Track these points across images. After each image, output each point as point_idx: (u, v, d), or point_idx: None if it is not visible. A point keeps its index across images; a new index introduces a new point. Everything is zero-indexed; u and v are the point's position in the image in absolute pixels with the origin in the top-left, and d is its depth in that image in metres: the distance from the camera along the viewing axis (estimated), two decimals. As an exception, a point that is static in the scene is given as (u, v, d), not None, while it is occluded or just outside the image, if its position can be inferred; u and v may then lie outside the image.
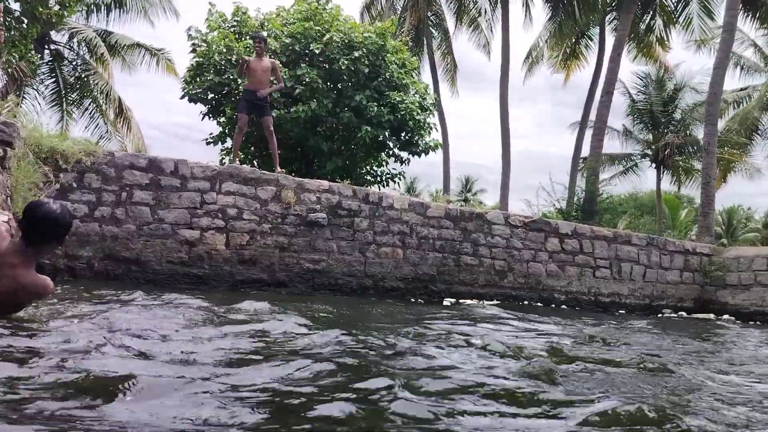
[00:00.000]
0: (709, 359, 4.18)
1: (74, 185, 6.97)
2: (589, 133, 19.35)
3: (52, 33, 16.97)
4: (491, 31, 23.16)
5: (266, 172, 8.17)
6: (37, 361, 2.22)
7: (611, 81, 17.69)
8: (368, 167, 13.67)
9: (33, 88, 16.95)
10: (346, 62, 11.57)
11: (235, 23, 12.62)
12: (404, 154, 13.30)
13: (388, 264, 8.42)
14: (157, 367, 2.31)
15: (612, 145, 24.06)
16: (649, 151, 22.65)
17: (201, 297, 5.36)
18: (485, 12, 22.66)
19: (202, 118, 12.76)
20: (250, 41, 10.47)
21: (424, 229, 8.68)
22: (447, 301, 8.55)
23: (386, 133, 12.21)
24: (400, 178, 14.01)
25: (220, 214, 7.57)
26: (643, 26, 20.56)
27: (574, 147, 20.53)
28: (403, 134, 12.61)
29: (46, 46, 17.57)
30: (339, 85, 12.17)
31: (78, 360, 2.26)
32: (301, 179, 8.24)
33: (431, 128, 12.98)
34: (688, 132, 21.75)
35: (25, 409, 1.64)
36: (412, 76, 13.08)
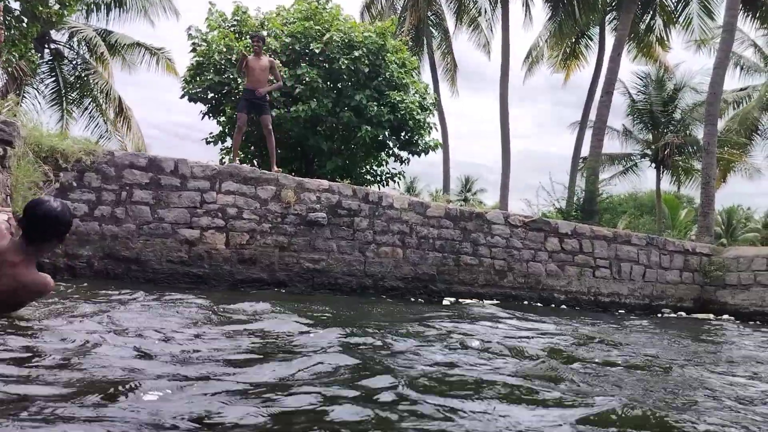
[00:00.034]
0: (708, 359, 4.18)
1: (74, 184, 6.97)
2: (589, 133, 19.37)
3: (52, 32, 16.96)
4: (491, 30, 23.19)
5: (266, 171, 8.18)
6: (39, 361, 2.22)
7: (611, 81, 17.70)
8: (368, 167, 13.67)
9: (33, 88, 16.95)
10: (346, 62, 11.57)
11: (235, 22, 12.62)
12: (404, 154, 13.31)
13: (387, 263, 8.42)
14: (159, 366, 2.31)
15: (612, 145, 24.10)
16: (648, 151, 22.67)
17: (203, 296, 5.36)
18: (485, 12, 22.67)
19: (202, 118, 12.76)
20: (249, 40, 10.46)
21: (423, 229, 8.69)
22: (447, 301, 8.55)
23: (386, 133, 12.21)
24: (399, 178, 14.02)
25: (220, 214, 7.57)
26: (643, 26, 20.56)
27: (573, 147, 20.56)
28: (402, 134, 12.62)
29: (46, 45, 17.57)
30: (339, 85, 12.17)
31: (79, 360, 2.26)
32: (300, 179, 8.24)
33: (431, 128, 12.99)
34: (687, 132, 21.77)
35: (25, 409, 1.64)
36: (412, 75, 13.08)
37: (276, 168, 8.56)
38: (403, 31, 19.81)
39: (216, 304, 4.70)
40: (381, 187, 13.51)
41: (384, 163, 13.66)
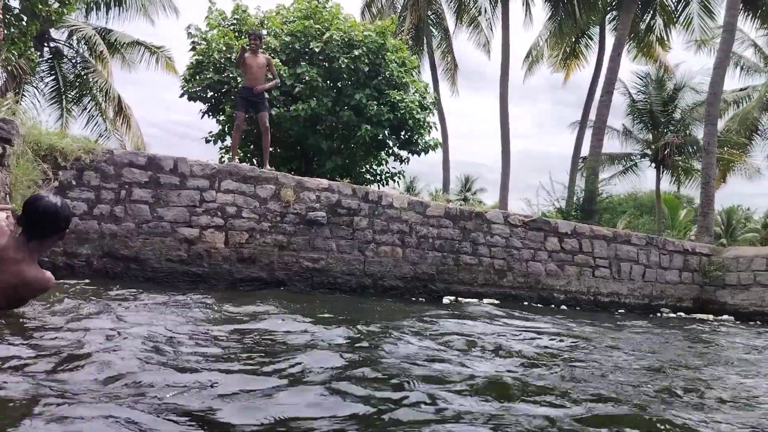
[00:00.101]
0: (707, 359, 4.18)
1: (73, 183, 6.96)
2: (588, 133, 19.36)
3: (52, 30, 16.94)
4: (491, 30, 23.17)
5: (265, 170, 8.17)
6: (44, 360, 2.22)
7: (611, 80, 17.69)
8: (368, 166, 13.66)
9: (32, 86, 16.94)
10: (345, 61, 11.56)
11: (234, 21, 12.60)
12: (404, 153, 13.30)
13: (387, 263, 8.42)
14: (164, 364, 2.30)
15: (612, 144, 24.10)
16: (648, 151, 22.67)
17: (204, 296, 5.36)
18: (485, 11, 22.66)
19: (202, 117, 12.75)
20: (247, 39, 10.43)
21: (423, 228, 8.68)
22: (446, 299, 8.55)
23: (386, 132, 12.20)
24: (399, 177, 14.01)
25: (219, 213, 7.57)
26: (643, 26, 20.55)
27: (573, 146, 20.55)
28: (402, 133, 12.60)
29: (46, 44, 17.55)
30: (339, 84, 12.16)
31: (86, 360, 2.26)
32: (300, 178, 8.23)
33: (431, 127, 12.98)
34: (687, 132, 21.77)
35: (32, 408, 1.64)
36: (411, 74, 13.07)
37: (268, 166, 8.54)
38: (403, 30, 19.80)
39: (218, 304, 4.70)
40: (380, 186, 13.51)
41: (384, 162, 13.66)
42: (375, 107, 11.70)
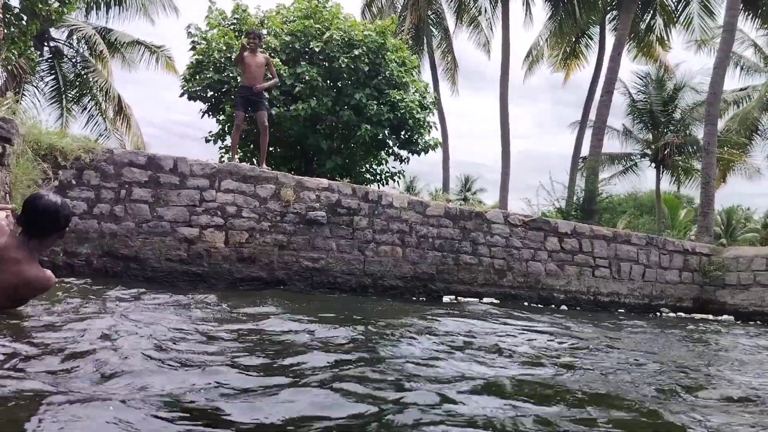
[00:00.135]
0: (713, 360, 4.18)
1: (73, 182, 6.96)
2: (588, 133, 19.36)
3: (52, 30, 16.93)
4: (491, 29, 23.17)
5: (265, 170, 8.16)
6: (47, 359, 2.22)
7: (611, 80, 17.69)
8: (368, 166, 13.66)
9: (32, 85, 16.93)
10: (345, 60, 11.56)
11: (234, 21, 12.60)
12: (404, 153, 13.30)
13: (387, 262, 8.42)
14: (169, 365, 2.30)
15: (612, 144, 24.09)
16: (648, 151, 22.66)
17: (210, 296, 5.36)
18: (485, 11, 22.66)
19: (202, 116, 12.75)
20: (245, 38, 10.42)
21: (423, 228, 8.68)
22: (446, 299, 8.57)
23: (386, 132, 12.19)
24: (399, 177, 14.01)
25: (219, 212, 7.56)
26: (643, 26, 20.55)
27: (573, 146, 20.55)
28: (402, 133, 12.60)
29: (46, 43, 17.54)
30: (339, 84, 12.16)
31: (89, 359, 2.26)
32: (300, 177, 8.23)
33: (431, 127, 12.99)
34: (687, 132, 21.77)
35: (36, 407, 1.64)
36: (411, 74, 13.07)
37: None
38: (403, 30, 19.80)
39: (219, 303, 4.71)
40: (380, 186, 13.51)
41: (383, 162, 13.66)
42: (375, 107, 11.70)
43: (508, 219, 9.33)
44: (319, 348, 2.91)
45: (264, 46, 11.37)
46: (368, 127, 11.65)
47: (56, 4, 9.82)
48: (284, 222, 7.86)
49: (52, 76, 17.96)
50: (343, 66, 11.54)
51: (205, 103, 12.49)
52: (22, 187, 5.91)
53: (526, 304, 9.01)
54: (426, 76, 23.22)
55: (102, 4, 17.91)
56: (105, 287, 5.47)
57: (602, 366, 3.14)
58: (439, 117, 21.40)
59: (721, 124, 20.07)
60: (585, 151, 19.60)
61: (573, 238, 9.71)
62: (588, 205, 15.73)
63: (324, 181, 8.29)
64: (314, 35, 11.91)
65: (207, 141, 12.93)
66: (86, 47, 18.00)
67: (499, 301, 8.73)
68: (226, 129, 12.50)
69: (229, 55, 11.65)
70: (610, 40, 19.73)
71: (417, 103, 12.40)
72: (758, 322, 9.72)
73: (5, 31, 8.80)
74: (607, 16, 20.61)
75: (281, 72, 11.28)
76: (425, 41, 22.79)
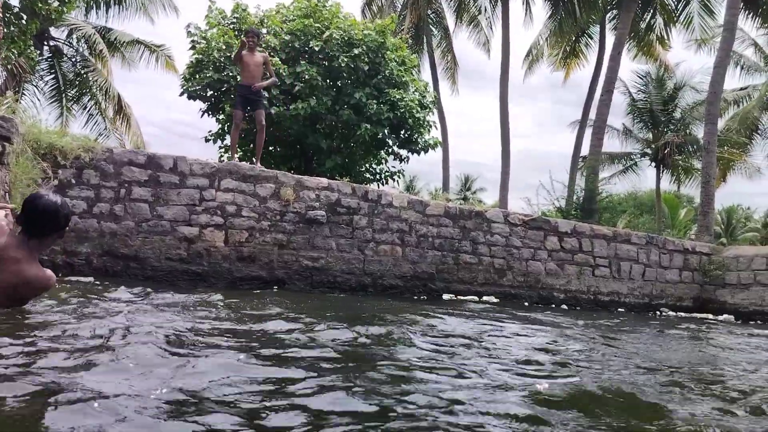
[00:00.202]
0: (705, 358, 4.18)
1: (73, 181, 6.95)
2: (589, 132, 19.35)
3: (52, 29, 16.92)
4: (491, 29, 23.17)
5: (265, 169, 8.16)
6: (55, 356, 2.22)
7: (611, 80, 17.68)
8: (367, 165, 13.66)
9: (32, 85, 16.93)
10: (345, 59, 11.55)
11: (234, 20, 12.60)
12: (403, 152, 13.30)
13: (387, 262, 8.42)
14: (177, 361, 2.30)
15: (612, 143, 24.11)
16: (648, 150, 22.66)
17: (211, 295, 5.36)
18: (485, 10, 22.66)
19: (202, 115, 12.74)
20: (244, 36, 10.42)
21: (423, 227, 8.67)
22: (446, 296, 8.57)
23: (385, 131, 12.19)
24: (399, 176, 14.02)
25: (219, 211, 7.56)
26: (643, 25, 20.54)
27: (573, 145, 20.55)
28: (402, 132, 12.60)
29: (46, 43, 17.53)
30: (338, 83, 12.16)
31: (98, 355, 2.27)
32: (300, 177, 8.23)
33: (431, 126, 12.98)
34: (687, 131, 21.75)
35: (47, 403, 1.65)
36: (411, 73, 13.07)
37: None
38: (403, 29, 19.80)
39: (220, 303, 4.71)
40: (380, 185, 13.51)
41: (383, 161, 13.65)
42: (375, 106, 11.69)
43: (508, 218, 9.32)
44: (319, 349, 2.91)
45: (263, 45, 11.37)
46: (368, 126, 11.65)
47: (56, 4, 9.81)
48: (284, 221, 7.86)
49: (52, 76, 17.95)
50: (342, 65, 11.53)
51: (204, 103, 12.49)
52: (22, 186, 5.91)
53: (526, 304, 9.01)
54: (426, 75, 23.27)
55: (102, 4, 17.91)
56: (107, 286, 5.48)
57: (608, 367, 3.13)
58: (439, 116, 21.40)
59: (721, 124, 20.06)
60: (585, 150, 19.61)
61: (573, 237, 9.71)
62: (588, 204, 15.72)
63: (324, 181, 8.29)
64: (314, 34, 11.90)
65: (207, 141, 12.94)
66: (86, 46, 17.99)
67: (498, 301, 8.73)
68: (226, 128, 12.51)
69: (228, 54, 11.64)
70: (610, 40, 19.74)
71: (417, 102, 12.39)
72: (758, 321, 9.72)
73: (5, 30, 8.79)
74: (607, 15, 20.60)
75: (281, 71, 11.28)
76: (425, 40, 22.78)
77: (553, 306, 9.17)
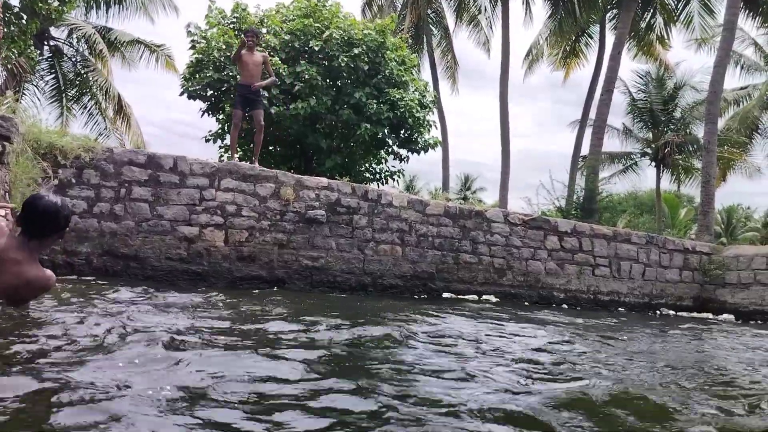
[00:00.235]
0: (708, 357, 4.17)
1: (73, 181, 6.96)
2: (589, 132, 19.34)
3: (52, 29, 16.91)
4: (491, 28, 23.15)
5: (265, 168, 8.16)
6: (65, 353, 2.22)
7: (611, 79, 17.67)
8: (367, 165, 13.65)
9: (33, 84, 16.92)
10: (345, 59, 11.55)
11: (234, 20, 12.59)
12: (403, 152, 13.28)
13: (386, 261, 8.42)
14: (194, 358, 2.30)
15: (612, 143, 24.06)
16: (648, 150, 22.63)
17: (212, 295, 5.37)
18: (485, 9, 22.64)
19: (202, 115, 12.74)
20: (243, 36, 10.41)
21: (423, 227, 8.67)
22: (446, 295, 8.57)
23: (385, 131, 12.18)
24: (399, 176, 14.00)
25: (219, 211, 7.56)
26: (643, 24, 20.53)
27: (573, 145, 20.52)
28: (402, 132, 12.59)
29: (46, 42, 17.52)
30: (338, 83, 12.15)
31: (107, 352, 2.27)
32: (300, 176, 8.23)
33: (430, 126, 12.97)
34: (688, 131, 21.73)
35: (60, 397, 1.66)
36: (411, 73, 13.05)
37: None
38: (402, 29, 19.79)
39: (221, 303, 4.72)
40: (380, 185, 13.50)
41: (383, 161, 13.65)
42: (374, 106, 11.69)
43: (507, 218, 9.32)
44: (321, 348, 2.91)
45: (263, 45, 11.36)
46: (368, 126, 11.64)
47: (56, 3, 9.80)
48: (284, 221, 7.86)
49: (52, 75, 17.94)
50: (342, 65, 11.53)
51: (204, 102, 12.48)
52: (22, 185, 5.91)
53: (526, 303, 9.01)
54: (426, 74, 23.24)
55: (102, 3, 17.89)
56: (108, 286, 5.49)
57: (617, 369, 3.13)
58: (439, 116, 21.37)
59: (721, 123, 20.05)
60: (585, 150, 19.60)
61: (573, 237, 9.71)
62: (588, 204, 15.72)
63: (323, 180, 8.29)
64: (314, 34, 11.89)
65: (207, 140, 12.93)
66: (86, 46, 17.98)
67: (498, 300, 8.73)
68: (226, 128, 12.50)
69: (228, 54, 11.63)
70: (610, 39, 19.72)
71: (417, 101, 12.39)
72: (759, 321, 9.72)
73: (5, 30, 8.78)
74: (607, 14, 20.57)
75: (281, 71, 11.28)
76: (425, 40, 22.76)
77: (554, 305, 9.17)
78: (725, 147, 21.17)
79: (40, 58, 16.76)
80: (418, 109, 12.36)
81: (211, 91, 12.22)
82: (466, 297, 8.65)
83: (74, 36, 17.84)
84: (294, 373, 2.26)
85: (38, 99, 17.22)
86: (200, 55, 11.92)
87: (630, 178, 24.23)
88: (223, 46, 11.71)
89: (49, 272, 3.03)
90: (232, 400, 1.82)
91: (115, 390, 1.77)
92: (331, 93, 11.87)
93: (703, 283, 10.80)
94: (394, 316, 4.63)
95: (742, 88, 23.37)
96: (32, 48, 11.35)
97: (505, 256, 9.19)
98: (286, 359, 2.53)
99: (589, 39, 22.47)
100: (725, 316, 10.13)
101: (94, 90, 17.99)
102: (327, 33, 11.76)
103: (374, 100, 11.79)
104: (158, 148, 29.38)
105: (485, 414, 1.87)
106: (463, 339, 3.72)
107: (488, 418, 1.83)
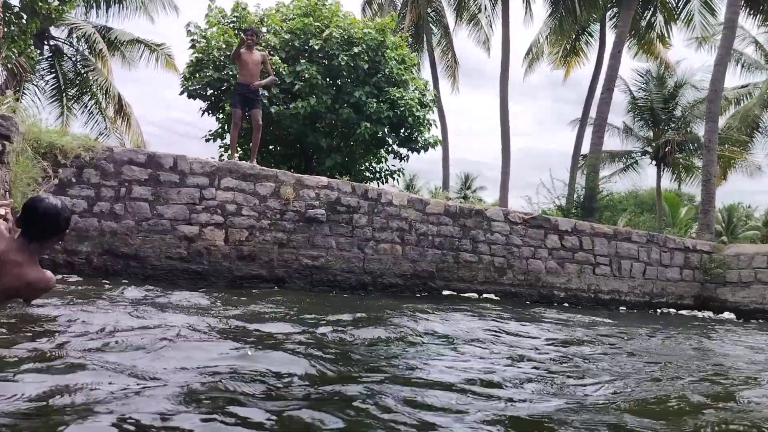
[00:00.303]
0: (703, 354, 4.17)
1: (73, 180, 6.96)
2: (589, 130, 19.33)
3: (52, 29, 16.92)
4: (491, 27, 23.15)
5: (265, 168, 8.16)
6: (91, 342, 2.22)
7: (612, 78, 17.66)
8: (367, 164, 13.65)
9: (33, 84, 16.94)
10: (345, 58, 11.54)
11: (234, 19, 12.58)
12: (403, 151, 13.28)
13: (386, 260, 8.42)
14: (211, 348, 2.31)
15: (612, 142, 24.05)
16: (649, 149, 22.62)
17: (213, 294, 5.37)
18: (485, 8, 22.65)
19: (202, 114, 12.74)
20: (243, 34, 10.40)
21: (423, 226, 8.67)
22: (446, 293, 8.57)
23: (385, 130, 12.18)
24: (399, 175, 14.00)
25: (219, 210, 7.56)
26: (643, 23, 20.51)
27: (574, 144, 20.52)
28: (402, 131, 12.59)
29: (46, 42, 17.53)
30: (338, 81, 12.15)
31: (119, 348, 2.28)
32: (300, 175, 8.23)
33: (430, 125, 12.97)
34: (688, 129, 21.72)
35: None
36: (411, 72, 13.05)
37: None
38: (402, 28, 19.79)
39: (222, 302, 4.72)
40: (380, 184, 13.50)
41: (383, 160, 13.65)
42: (374, 105, 11.68)
43: (508, 217, 9.32)
44: (322, 348, 2.91)
45: (263, 44, 11.36)
46: (368, 125, 11.64)
47: (56, 3, 9.80)
48: (284, 220, 7.86)
49: (53, 75, 17.96)
50: (342, 64, 11.52)
51: (204, 102, 12.49)
52: (22, 185, 5.91)
53: (527, 302, 9.01)
54: (426, 73, 23.20)
55: (102, 3, 17.89)
56: (108, 285, 5.49)
57: (626, 369, 3.13)
58: (439, 115, 21.37)
59: (722, 122, 20.04)
60: (585, 148, 19.59)
61: (573, 235, 9.71)
62: (588, 202, 15.72)
63: (323, 179, 8.29)
64: (314, 33, 11.89)
65: (207, 140, 12.94)
66: (86, 46, 17.99)
67: (499, 299, 8.73)
68: (226, 127, 12.50)
69: (228, 53, 11.64)
70: (610, 38, 19.71)
71: (417, 100, 12.38)
72: (760, 320, 9.71)
73: (5, 29, 8.79)
74: (608, 13, 20.56)
75: (281, 70, 11.28)
76: (425, 39, 22.76)
77: (554, 304, 9.17)
78: (726, 145, 21.15)
79: (41, 57, 16.78)
80: (418, 107, 12.35)
81: (211, 91, 12.22)
82: (467, 296, 8.65)
83: (74, 35, 17.86)
84: (293, 373, 2.26)
85: (38, 98, 17.26)
86: (200, 55, 11.92)
87: (630, 176, 24.24)
88: (223, 46, 11.71)
89: (49, 274, 3.03)
90: (234, 397, 1.82)
91: (118, 388, 1.78)
92: (331, 92, 11.86)
93: (703, 281, 10.79)
94: (394, 315, 4.63)
95: (742, 87, 23.35)
96: (32, 48, 11.36)
97: (506, 255, 9.19)
98: (286, 358, 2.53)
99: (589, 37, 22.46)
100: (726, 314, 10.13)
101: (94, 89, 18.00)
102: (327, 32, 11.76)
103: (374, 99, 11.79)
104: (158, 147, 29.42)
105: (493, 419, 1.86)
106: (465, 338, 3.72)
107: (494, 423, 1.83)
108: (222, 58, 11.74)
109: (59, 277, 5.14)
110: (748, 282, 10.24)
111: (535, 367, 2.86)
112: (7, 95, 7.00)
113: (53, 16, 9.80)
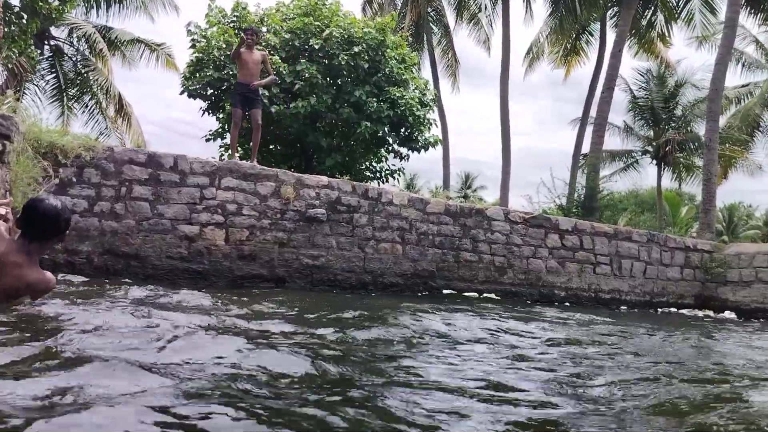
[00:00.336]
0: (701, 353, 4.17)
1: (73, 180, 6.96)
2: (589, 130, 19.32)
3: (52, 28, 16.92)
4: (491, 26, 23.13)
5: (265, 167, 8.16)
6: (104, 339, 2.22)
7: (612, 77, 17.65)
8: (367, 163, 13.65)
9: (33, 84, 16.94)
10: (345, 57, 11.54)
11: (234, 19, 12.58)
12: (404, 150, 13.27)
13: (387, 260, 8.41)
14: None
15: (613, 141, 24.00)
16: (650, 148, 22.60)
17: (214, 294, 5.37)
18: (485, 8, 22.63)
19: (202, 114, 12.73)
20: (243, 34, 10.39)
21: (423, 225, 8.67)
22: (447, 292, 8.57)
23: (386, 129, 12.18)
24: (399, 174, 13.99)
25: (219, 210, 7.56)
26: (644, 22, 20.50)
27: (574, 143, 20.50)
28: (402, 130, 12.59)
29: (46, 42, 17.53)
30: (338, 81, 12.14)
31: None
32: (300, 175, 8.23)
33: (431, 124, 12.96)
34: (689, 128, 21.69)
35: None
36: (411, 71, 13.04)
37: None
38: (403, 27, 19.78)
39: (222, 302, 4.72)
40: (380, 183, 13.49)
41: (383, 159, 13.64)
42: (375, 104, 11.68)
43: (508, 216, 9.32)
44: (323, 348, 2.91)
45: (263, 44, 11.35)
46: (368, 124, 11.64)
47: (56, 3, 9.80)
48: (284, 219, 7.86)
49: (53, 75, 17.96)
50: (342, 63, 11.52)
51: (205, 101, 12.48)
52: (23, 185, 5.91)
53: (528, 302, 9.01)
54: (426, 73, 23.18)
55: (102, 3, 17.88)
56: (109, 285, 5.49)
57: (632, 369, 3.13)
58: (439, 114, 21.35)
59: (722, 121, 20.02)
60: (586, 148, 19.57)
61: (574, 235, 9.70)
62: (589, 202, 15.72)
63: (324, 179, 8.29)
64: (314, 32, 11.88)
65: (207, 140, 12.93)
66: (86, 45, 17.99)
67: (499, 298, 8.73)
68: (226, 127, 12.49)
69: (228, 53, 11.63)
70: (610, 37, 19.69)
71: (417, 100, 12.38)
72: (761, 319, 9.71)
73: (6, 29, 8.79)
74: (608, 12, 20.54)
75: (281, 69, 11.27)
76: (425, 38, 22.74)
77: (555, 304, 9.17)
78: (726, 145, 21.13)
79: (41, 57, 16.77)
80: (419, 107, 12.35)
81: (212, 90, 12.22)
82: (467, 295, 8.64)
83: (74, 35, 17.86)
84: (293, 373, 2.26)
85: (39, 98, 17.25)
86: (200, 54, 11.92)
87: (631, 176, 24.21)
88: (224, 45, 11.70)
89: (49, 275, 3.03)
90: (236, 395, 1.82)
91: (121, 388, 1.78)
92: (331, 91, 11.86)
93: (704, 281, 10.79)
94: (395, 315, 4.63)
95: (743, 86, 23.33)
96: (33, 47, 11.36)
97: (506, 255, 9.18)
98: (286, 358, 2.53)
99: (589, 37, 22.44)
100: (726, 314, 10.12)
101: (95, 89, 18.00)
102: (327, 31, 11.75)
103: (374, 99, 11.78)
104: (159, 147, 29.42)
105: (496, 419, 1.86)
106: (466, 337, 3.72)
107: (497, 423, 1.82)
108: (222, 58, 11.73)
109: (60, 276, 5.15)
110: (749, 281, 10.24)
111: (535, 368, 2.86)
112: (7, 95, 7.01)
113: (53, 16, 9.80)
